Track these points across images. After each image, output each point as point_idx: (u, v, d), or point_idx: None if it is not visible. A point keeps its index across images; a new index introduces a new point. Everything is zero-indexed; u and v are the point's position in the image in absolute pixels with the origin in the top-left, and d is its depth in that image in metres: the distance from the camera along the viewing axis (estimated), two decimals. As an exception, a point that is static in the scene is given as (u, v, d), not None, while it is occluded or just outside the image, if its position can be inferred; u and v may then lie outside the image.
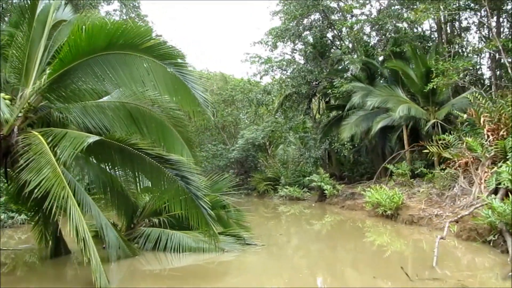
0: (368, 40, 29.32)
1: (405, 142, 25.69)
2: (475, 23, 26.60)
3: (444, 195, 17.20)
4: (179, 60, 10.13)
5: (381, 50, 27.22)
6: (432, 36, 28.93)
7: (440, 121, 21.54)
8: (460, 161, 16.95)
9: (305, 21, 30.47)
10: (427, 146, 19.21)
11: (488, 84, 24.47)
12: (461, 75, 18.90)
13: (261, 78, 32.69)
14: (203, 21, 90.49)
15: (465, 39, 25.72)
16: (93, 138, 8.89)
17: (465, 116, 18.78)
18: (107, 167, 11.11)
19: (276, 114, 35.90)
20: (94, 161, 11.34)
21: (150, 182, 10.32)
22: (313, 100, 34.76)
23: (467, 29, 27.46)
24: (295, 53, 32.56)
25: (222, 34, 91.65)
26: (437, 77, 19.87)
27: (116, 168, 10.82)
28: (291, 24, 30.04)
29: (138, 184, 10.51)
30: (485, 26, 25.49)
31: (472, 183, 16.37)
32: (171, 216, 13.04)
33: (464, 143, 17.53)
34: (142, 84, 10.04)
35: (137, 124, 11.00)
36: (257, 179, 35.07)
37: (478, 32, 26.86)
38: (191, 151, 12.12)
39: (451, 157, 17.85)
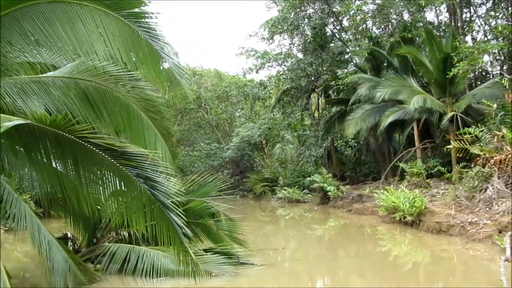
0: (374, 28, 26.26)
1: (416, 138, 22.83)
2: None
3: (475, 199, 14.21)
4: (140, 9, 7.06)
5: (389, 37, 24.16)
6: (442, 22, 26.03)
7: (459, 114, 18.50)
8: (495, 158, 13.91)
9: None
10: (452, 142, 16.20)
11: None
12: (490, 58, 15.80)
13: (257, 71, 29.62)
14: (203, 21, 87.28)
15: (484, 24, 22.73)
16: (13, 123, 5.77)
17: (495, 105, 15.82)
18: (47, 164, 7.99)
19: (273, 110, 32.86)
20: (38, 157, 8.23)
21: (100, 184, 7.08)
22: (313, 95, 31.82)
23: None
24: (293, 46, 29.52)
25: (222, 34, 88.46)
26: (460, 62, 16.84)
27: (56, 164, 7.65)
28: (289, 15, 27.10)
29: (86, 186, 7.29)
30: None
31: (509, 184, 13.40)
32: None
33: (496, 137, 14.61)
34: (91, 48, 6.93)
35: (94, 107, 7.94)
36: (253, 179, 32.00)
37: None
38: (168, 144, 9.04)
39: (480, 154, 14.87)
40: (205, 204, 10.34)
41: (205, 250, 9.67)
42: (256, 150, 36.64)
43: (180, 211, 6.48)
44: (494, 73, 23.38)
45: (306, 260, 12.42)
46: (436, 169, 19.74)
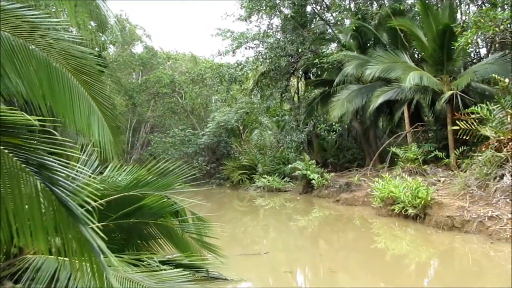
0: (360, 3, 23.70)
1: (406, 121, 20.56)
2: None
3: (489, 188, 11.85)
4: None
5: (378, 11, 21.71)
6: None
7: (459, 93, 16.17)
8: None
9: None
10: (458, 123, 13.83)
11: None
12: (501, 27, 13.41)
13: (233, 53, 26.91)
14: (177, 3, 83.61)
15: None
16: None
17: (507, 80, 13.50)
18: None
19: (251, 93, 30.21)
20: None
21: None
22: (292, 79, 29.34)
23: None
24: (272, 27, 26.85)
25: (198, 17, 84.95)
26: (464, 33, 14.44)
27: None
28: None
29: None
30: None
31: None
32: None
33: (510, 117, 12.31)
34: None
35: (-4, 64, 5.31)
36: (230, 167, 29.41)
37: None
38: (108, 119, 6.45)
39: (491, 136, 12.54)
40: (165, 199, 7.76)
41: (163, 262, 7.10)
42: (233, 136, 34.11)
43: (92, 220, 3.86)
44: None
45: (292, 267, 9.92)
46: (433, 155, 17.42)
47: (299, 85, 29.79)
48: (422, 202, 11.99)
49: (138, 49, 47.26)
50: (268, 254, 10.49)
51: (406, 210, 12.46)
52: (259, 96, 29.53)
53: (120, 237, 7.96)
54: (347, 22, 24.57)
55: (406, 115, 20.47)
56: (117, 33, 34.11)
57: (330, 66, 21.87)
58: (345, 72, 20.31)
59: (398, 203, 12.86)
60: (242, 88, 30.21)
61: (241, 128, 34.13)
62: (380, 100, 18.54)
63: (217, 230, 8.67)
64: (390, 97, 18.59)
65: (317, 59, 21.88)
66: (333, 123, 23.09)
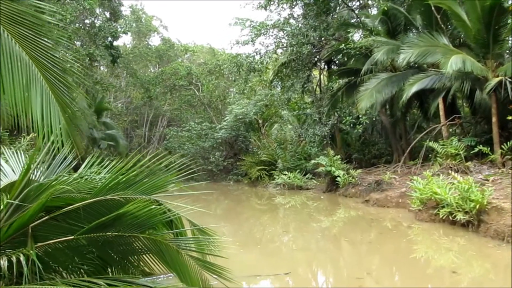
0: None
1: (442, 113, 18.26)
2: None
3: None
4: None
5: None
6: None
7: (508, 79, 13.91)
8: None
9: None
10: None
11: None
12: None
13: (253, 42, 24.83)
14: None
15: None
16: None
17: None
18: None
19: (270, 84, 28.09)
20: None
21: None
22: (314, 71, 27.19)
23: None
24: (293, 15, 24.74)
25: (217, 9, 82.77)
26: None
27: None
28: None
29: None
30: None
31: None
32: (54, 247, 5.42)
33: None
34: None
35: None
36: (249, 162, 27.34)
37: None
38: (56, 92, 4.39)
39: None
40: (155, 205, 5.68)
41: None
42: (252, 130, 32.03)
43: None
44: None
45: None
46: (475, 150, 15.18)
47: (321, 77, 27.66)
48: (477, 207, 9.78)
49: (155, 41, 45.65)
50: (290, 274, 8.33)
51: (454, 216, 10.27)
52: (279, 87, 27.42)
53: (95, 255, 5.89)
54: (374, 10, 22.49)
55: (441, 106, 18.19)
56: (130, 21, 32.45)
57: (357, 53, 19.68)
58: (374, 58, 18.13)
59: (444, 207, 10.69)
60: (261, 78, 28.14)
61: (260, 121, 32.07)
62: (414, 88, 16.31)
63: (228, 241, 6.65)
64: (426, 85, 16.33)
65: (343, 45, 19.67)
66: (360, 116, 20.88)
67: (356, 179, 18.35)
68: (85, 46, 24.17)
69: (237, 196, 24.38)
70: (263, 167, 26.06)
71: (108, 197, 5.57)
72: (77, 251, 5.62)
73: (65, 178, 5.94)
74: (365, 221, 13.45)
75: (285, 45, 24.12)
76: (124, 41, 49.71)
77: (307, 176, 23.27)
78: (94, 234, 5.48)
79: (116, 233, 5.56)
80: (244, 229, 14.23)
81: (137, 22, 38.25)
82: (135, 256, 5.96)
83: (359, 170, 19.70)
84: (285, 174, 23.30)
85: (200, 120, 33.65)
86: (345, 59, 20.37)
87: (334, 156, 20.13)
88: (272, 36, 24.77)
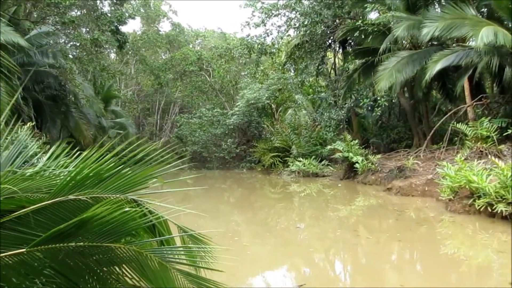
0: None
1: (467, 93, 16.71)
2: None
3: None
4: None
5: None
6: None
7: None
8: None
9: None
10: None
11: None
12: None
13: (263, 23, 23.40)
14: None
15: None
16: None
17: None
18: None
19: (283, 68, 26.59)
20: None
21: None
22: (329, 54, 25.69)
23: None
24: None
25: None
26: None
27: None
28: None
29: None
30: None
31: None
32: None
33: None
34: None
35: None
36: (262, 149, 25.97)
37: None
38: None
39: None
40: (128, 208, 4.32)
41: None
42: (265, 116, 30.62)
43: None
44: None
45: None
46: (510, 131, 13.69)
47: (336, 59, 26.15)
48: (523, 198, 8.37)
49: (165, 27, 44.30)
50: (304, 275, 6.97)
51: (494, 207, 8.85)
52: (292, 70, 25.96)
53: (55, 272, 4.58)
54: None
55: (466, 86, 16.65)
56: (138, 6, 31.17)
57: (375, 30, 18.17)
58: (393, 36, 16.61)
59: (480, 196, 9.27)
60: (274, 61, 26.70)
61: (273, 106, 30.66)
62: (438, 66, 14.80)
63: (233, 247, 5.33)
64: (452, 62, 14.81)
65: (360, 22, 18.17)
66: (378, 98, 19.40)
67: (376, 165, 16.95)
68: (89, 31, 22.83)
69: (250, 184, 23.12)
70: (276, 153, 24.71)
71: (71, 197, 4.26)
72: (31, 267, 4.26)
73: (19, 173, 4.64)
74: (389, 212, 12.00)
75: (297, 25, 22.66)
76: (134, 27, 48.44)
77: (323, 162, 21.92)
78: (52, 245, 4.16)
79: (81, 244, 4.25)
80: (258, 219, 13.06)
81: (145, 7, 36.95)
82: (107, 272, 4.63)
83: (378, 156, 18.29)
84: (300, 161, 21.94)
85: (211, 106, 32.35)
86: (363, 36, 18.81)
87: (351, 141, 18.74)
88: (284, 16, 23.38)
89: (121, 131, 30.42)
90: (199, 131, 30.14)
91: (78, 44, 21.61)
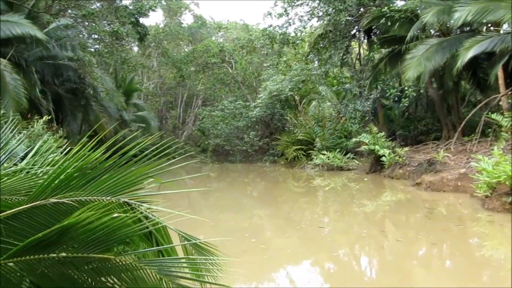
0: None
1: (501, 82, 15.69)
2: None
3: None
4: None
5: None
6: None
7: None
8: None
9: None
10: None
11: None
12: None
13: (286, 12, 22.61)
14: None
15: None
16: None
17: None
18: None
19: (307, 59, 25.70)
20: None
21: None
22: (353, 43, 24.77)
23: None
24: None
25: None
26: None
27: None
28: None
29: None
30: None
31: None
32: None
33: None
34: None
35: None
36: (285, 142, 25.17)
37: None
38: None
39: None
40: (117, 214, 3.61)
41: None
42: (289, 108, 29.81)
43: None
44: None
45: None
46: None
47: (361, 49, 25.20)
48: None
49: (187, 19, 43.83)
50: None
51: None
52: (316, 62, 25.06)
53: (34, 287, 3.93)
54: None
55: (500, 74, 15.65)
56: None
57: (402, 17, 17.21)
58: (421, 22, 15.68)
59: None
60: (296, 51, 25.85)
61: (297, 98, 29.81)
62: (471, 53, 13.86)
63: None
64: (485, 48, 13.84)
65: (386, 8, 17.26)
66: (406, 88, 18.45)
67: (404, 158, 16.08)
68: (109, 23, 22.31)
69: (273, 177, 22.46)
70: (300, 146, 23.89)
71: (53, 200, 3.62)
72: (6, 281, 3.65)
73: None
74: (420, 209, 11.18)
75: (320, 14, 21.80)
76: (156, 20, 48.03)
77: (347, 155, 21.07)
78: (30, 256, 3.51)
79: (64, 254, 3.59)
80: (282, 213, 12.54)
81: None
82: (102, 281, 3.96)
83: (406, 148, 17.41)
84: (324, 154, 21.12)
85: (234, 98, 31.64)
86: (389, 23, 17.86)
87: (378, 133, 17.88)
88: (306, 5, 22.53)
89: (143, 125, 30.01)
90: (221, 124, 29.49)
91: (96, 37, 21.09)
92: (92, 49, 21.56)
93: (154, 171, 4.03)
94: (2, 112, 14.57)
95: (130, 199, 3.90)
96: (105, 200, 3.72)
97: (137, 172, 3.93)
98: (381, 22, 18.01)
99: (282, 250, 8.20)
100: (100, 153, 3.91)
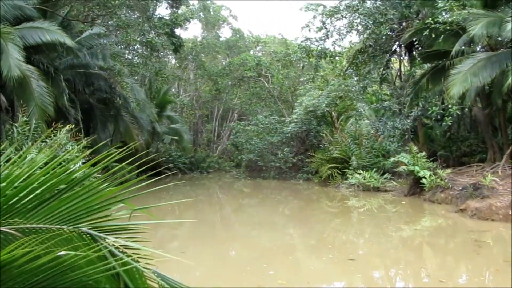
0: None
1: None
2: None
3: None
4: None
5: None
6: None
7: None
8: None
9: None
10: None
11: None
12: None
13: (324, 24, 21.68)
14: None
15: None
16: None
17: None
18: None
19: (345, 74, 24.60)
20: None
21: None
22: (394, 59, 23.62)
23: None
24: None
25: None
26: None
27: None
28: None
29: None
30: None
31: None
32: None
33: None
34: None
35: None
36: (319, 159, 24.01)
37: None
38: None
39: None
40: (63, 251, 2.63)
41: None
42: (325, 124, 28.70)
43: None
44: None
45: None
46: None
47: (401, 65, 23.99)
48: None
49: (226, 33, 43.45)
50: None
51: None
52: (354, 77, 23.94)
53: None
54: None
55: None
56: (196, 10, 30.18)
57: (447, 29, 15.97)
58: (469, 34, 14.43)
59: None
60: (334, 65, 24.79)
61: (334, 115, 28.70)
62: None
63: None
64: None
65: (430, 19, 16.08)
66: (449, 106, 17.13)
67: (446, 181, 14.79)
68: (143, 33, 21.76)
69: (307, 195, 21.45)
70: (334, 164, 22.70)
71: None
72: None
73: None
74: (465, 241, 9.88)
75: (359, 28, 20.78)
76: (194, 33, 47.89)
77: (385, 176, 19.78)
78: None
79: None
80: (315, 233, 11.77)
81: (204, 11, 36.04)
82: None
83: (448, 170, 16.07)
84: (360, 173, 19.92)
85: (269, 113, 30.73)
86: (433, 36, 16.64)
87: (418, 153, 16.63)
88: (346, 18, 21.53)
89: (175, 137, 29.40)
90: (255, 138, 28.62)
91: (126, 46, 20.51)
92: (123, 59, 20.99)
93: (129, 193, 3.11)
94: (23, 119, 14.01)
95: (96, 229, 2.99)
96: (60, 229, 2.84)
97: (104, 194, 3.03)
98: (424, 34, 16.79)
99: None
100: (54, 166, 3.04)
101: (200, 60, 34.75)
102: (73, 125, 17.51)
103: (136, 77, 25.24)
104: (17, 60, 13.63)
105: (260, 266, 8.12)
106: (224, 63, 39.38)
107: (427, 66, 19.95)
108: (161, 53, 27.32)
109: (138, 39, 19.85)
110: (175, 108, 35.62)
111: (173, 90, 37.54)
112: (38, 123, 14.29)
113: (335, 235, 12.05)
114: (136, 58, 21.92)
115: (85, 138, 16.31)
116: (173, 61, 38.21)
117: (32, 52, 16.77)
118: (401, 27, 20.45)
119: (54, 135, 14.23)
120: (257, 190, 24.17)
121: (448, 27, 15.82)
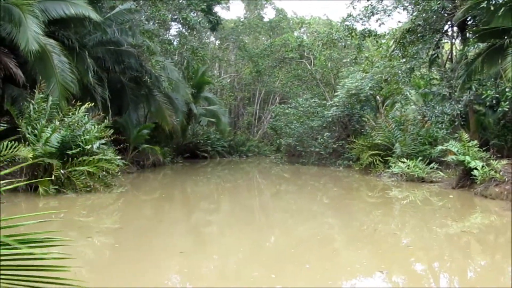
0: None
1: None
2: None
3: None
4: None
5: None
6: None
7: None
8: None
9: None
10: None
11: None
12: None
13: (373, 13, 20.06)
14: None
15: None
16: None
17: None
18: None
19: (391, 55, 22.77)
20: None
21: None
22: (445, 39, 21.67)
23: None
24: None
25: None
26: None
27: None
28: None
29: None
30: None
31: None
32: None
33: None
34: None
35: None
36: (360, 146, 22.40)
37: None
38: None
39: None
40: None
41: None
42: (369, 109, 27.04)
43: None
44: None
45: None
46: None
47: (453, 47, 21.99)
48: None
49: (269, 13, 42.04)
50: None
51: None
52: (401, 58, 22.12)
53: None
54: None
55: None
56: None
57: (508, 2, 14.08)
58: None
59: None
60: (379, 45, 22.98)
61: (378, 99, 26.94)
62: None
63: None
64: None
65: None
66: (506, 89, 15.26)
67: (501, 173, 13.05)
68: (180, 9, 20.59)
69: (346, 184, 20.11)
70: (377, 151, 21.08)
71: None
72: None
73: None
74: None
75: (407, 4, 19.04)
76: (238, 14, 46.71)
77: (431, 165, 18.08)
78: None
79: None
80: (353, 223, 10.84)
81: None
82: None
83: (503, 161, 14.28)
84: (404, 162, 18.27)
85: (310, 96, 29.25)
86: (491, 8, 14.70)
87: (469, 141, 14.94)
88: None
89: (213, 119, 28.39)
90: (295, 122, 27.22)
91: (161, 24, 19.40)
92: (154, 36, 19.88)
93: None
94: (40, 96, 13.09)
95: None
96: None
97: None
98: (481, 7, 14.88)
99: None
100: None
101: (241, 40, 33.53)
102: (99, 104, 16.63)
103: (173, 56, 24.25)
104: (35, 33, 12.71)
105: (298, 257, 7.38)
106: (266, 43, 38.13)
107: (482, 46, 17.96)
108: (201, 33, 26.21)
109: (170, 15, 18.71)
110: (214, 89, 34.61)
111: (214, 71, 36.57)
112: (56, 100, 13.39)
113: (381, 218, 11.16)
114: (171, 36, 20.84)
115: (110, 118, 15.41)
116: (216, 42, 37.24)
117: (58, 27, 15.90)
118: (454, 4, 18.57)
119: (73, 114, 13.31)
120: (295, 176, 23.06)
121: (508, 2, 13.95)
